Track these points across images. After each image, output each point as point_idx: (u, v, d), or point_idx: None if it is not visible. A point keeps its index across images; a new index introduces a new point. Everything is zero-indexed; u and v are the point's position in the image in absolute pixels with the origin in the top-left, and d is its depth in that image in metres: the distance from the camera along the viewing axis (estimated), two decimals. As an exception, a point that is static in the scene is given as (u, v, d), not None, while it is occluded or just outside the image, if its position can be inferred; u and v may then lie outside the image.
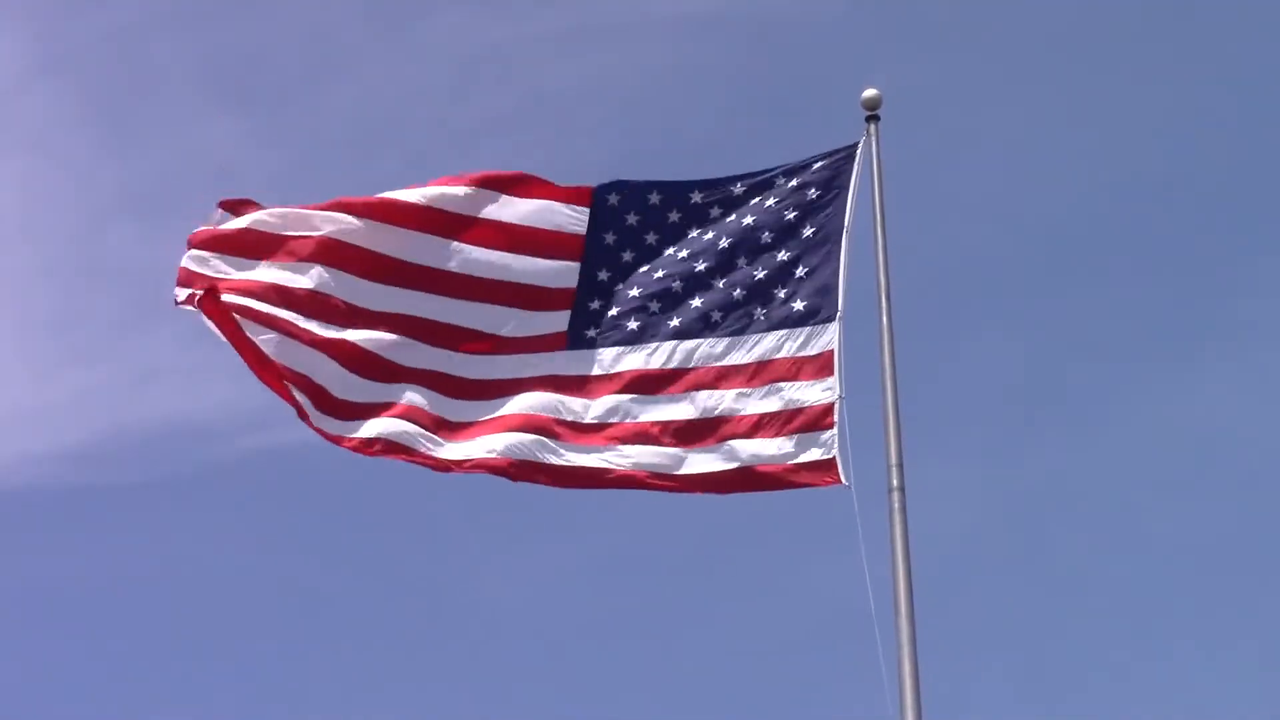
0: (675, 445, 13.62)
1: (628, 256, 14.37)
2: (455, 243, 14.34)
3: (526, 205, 14.43)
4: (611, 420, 13.78)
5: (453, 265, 14.30)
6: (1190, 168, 33.59)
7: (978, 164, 33.41)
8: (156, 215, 33.40)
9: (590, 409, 13.85)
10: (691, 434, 13.64)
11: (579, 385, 13.96)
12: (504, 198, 14.40)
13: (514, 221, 14.38)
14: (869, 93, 14.28)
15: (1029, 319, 32.60)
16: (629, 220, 14.42)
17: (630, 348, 14.01)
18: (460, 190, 14.37)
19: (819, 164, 14.34)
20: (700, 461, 13.56)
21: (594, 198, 14.46)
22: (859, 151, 14.20)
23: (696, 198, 14.44)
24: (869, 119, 14.27)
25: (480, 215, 14.40)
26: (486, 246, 14.33)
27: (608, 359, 14.01)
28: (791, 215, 14.22)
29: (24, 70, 33.74)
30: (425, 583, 29.35)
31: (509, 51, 34.12)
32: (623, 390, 13.89)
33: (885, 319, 13.30)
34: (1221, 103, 33.33)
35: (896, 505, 12.56)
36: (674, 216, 14.42)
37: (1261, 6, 32.93)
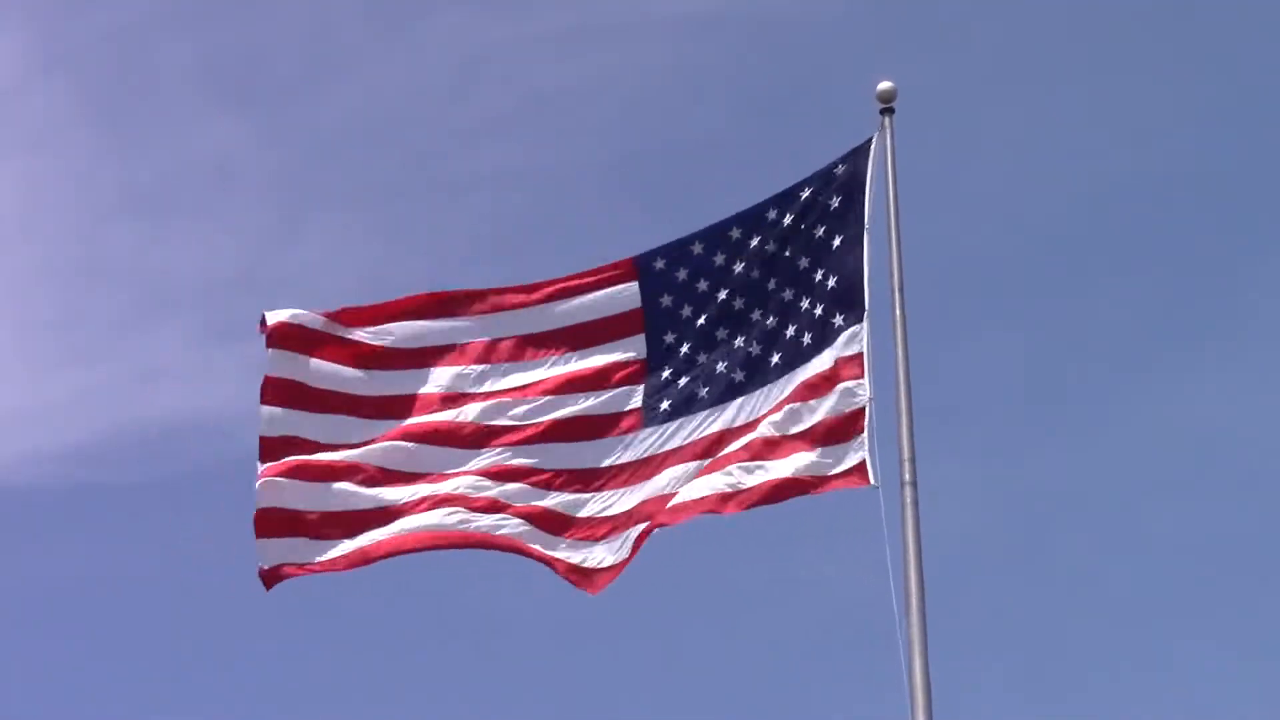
0: (726, 471, 13.54)
1: (686, 312, 14.22)
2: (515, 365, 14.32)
3: (573, 303, 14.36)
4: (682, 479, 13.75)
5: (518, 381, 14.25)
6: (1191, 167, 33.67)
7: (980, 164, 33.48)
8: (156, 215, 33.49)
9: (670, 478, 13.73)
10: (740, 457, 13.57)
11: (660, 462, 13.83)
12: (549, 306, 14.33)
13: (566, 326, 14.32)
14: (884, 85, 14.07)
15: (1030, 318, 32.67)
16: (679, 276, 14.26)
17: (707, 413, 13.90)
18: (505, 314, 14.34)
19: (839, 168, 14.14)
20: (742, 480, 13.47)
21: (638, 266, 14.32)
22: (873, 146, 14.03)
23: (735, 233, 14.27)
24: (883, 111, 14.07)
25: (532, 333, 14.34)
26: (550, 354, 14.28)
27: (684, 430, 13.88)
28: (821, 231, 14.05)
29: (24, 70, 33.77)
30: (430, 582, 29.31)
31: (509, 51, 34.14)
32: (700, 456, 13.76)
33: (899, 312, 13.25)
34: (1222, 103, 33.40)
35: (909, 499, 12.51)
36: (719, 260, 14.24)
37: (1261, 6, 33.01)
